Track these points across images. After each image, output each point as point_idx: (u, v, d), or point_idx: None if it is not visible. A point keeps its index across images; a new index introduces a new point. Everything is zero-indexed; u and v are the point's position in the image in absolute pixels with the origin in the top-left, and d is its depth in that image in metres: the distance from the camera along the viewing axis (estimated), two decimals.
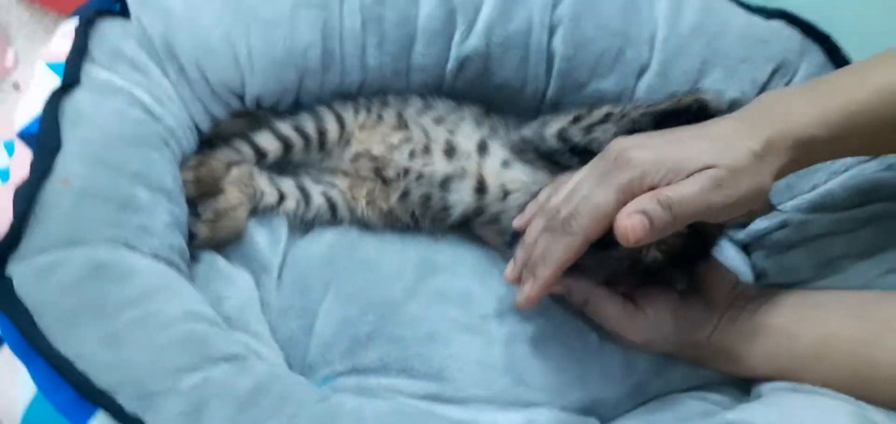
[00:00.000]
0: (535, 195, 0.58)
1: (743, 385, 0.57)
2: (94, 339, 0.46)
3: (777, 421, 0.47)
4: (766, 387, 0.53)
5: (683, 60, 0.66)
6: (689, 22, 0.67)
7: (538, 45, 0.67)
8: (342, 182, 0.65)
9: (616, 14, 0.67)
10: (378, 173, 0.64)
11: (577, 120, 0.58)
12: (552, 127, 0.59)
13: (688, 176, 0.47)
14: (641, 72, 0.68)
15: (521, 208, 0.58)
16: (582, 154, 0.57)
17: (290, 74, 0.65)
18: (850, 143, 0.50)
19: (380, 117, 0.65)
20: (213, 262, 0.59)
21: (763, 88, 0.65)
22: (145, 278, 0.50)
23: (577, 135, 0.58)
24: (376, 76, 0.68)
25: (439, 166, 0.63)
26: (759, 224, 0.64)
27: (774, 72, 0.65)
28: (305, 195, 0.64)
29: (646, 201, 0.47)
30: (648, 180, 0.47)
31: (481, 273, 0.62)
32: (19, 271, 0.48)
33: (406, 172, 0.63)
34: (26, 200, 0.51)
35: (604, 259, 0.52)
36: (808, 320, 0.52)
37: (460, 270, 0.62)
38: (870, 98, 0.48)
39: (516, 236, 0.57)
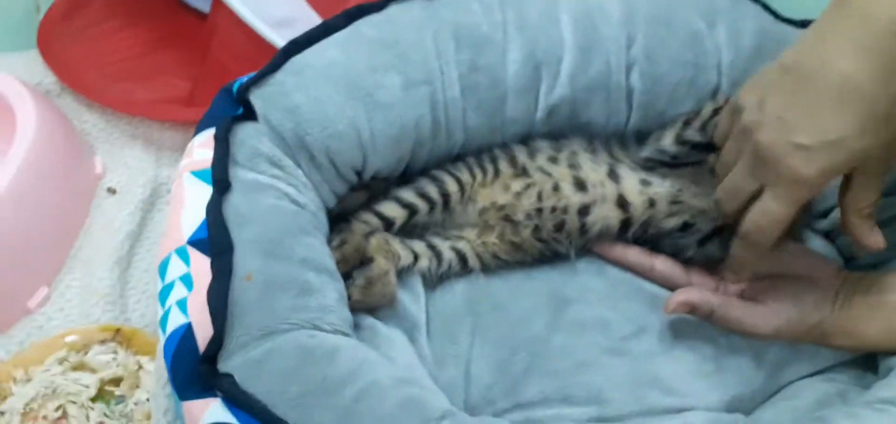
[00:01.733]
0: (680, 199, 0.66)
1: (866, 363, 0.63)
2: (330, 419, 0.51)
3: None
4: (895, 361, 0.59)
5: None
6: (750, 44, 0.74)
7: (617, 85, 0.74)
8: (470, 233, 0.71)
9: (684, 47, 0.74)
10: (507, 218, 0.70)
11: (688, 123, 0.66)
12: (668, 138, 0.68)
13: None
14: (714, 93, 0.75)
15: (671, 215, 0.66)
16: (704, 148, 0.67)
17: (406, 147, 0.71)
18: None
19: (497, 171, 0.71)
20: (374, 327, 0.64)
21: None
22: (347, 353, 0.55)
23: (695, 135, 0.66)
24: (476, 134, 0.74)
25: (574, 198, 0.68)
26: (838, 213, 0.71)
27: None
28: (436, 252, 0.70)
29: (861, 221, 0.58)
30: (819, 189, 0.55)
31: (610, 299, 0.68)
32: (236, 366, 0.53)
33: (539, 211, 0.69)
34: (220, 299, 0.56)
35: None
36: None
37: (590, 298, 0.68)
38: None
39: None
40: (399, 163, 0.72)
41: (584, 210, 0.69)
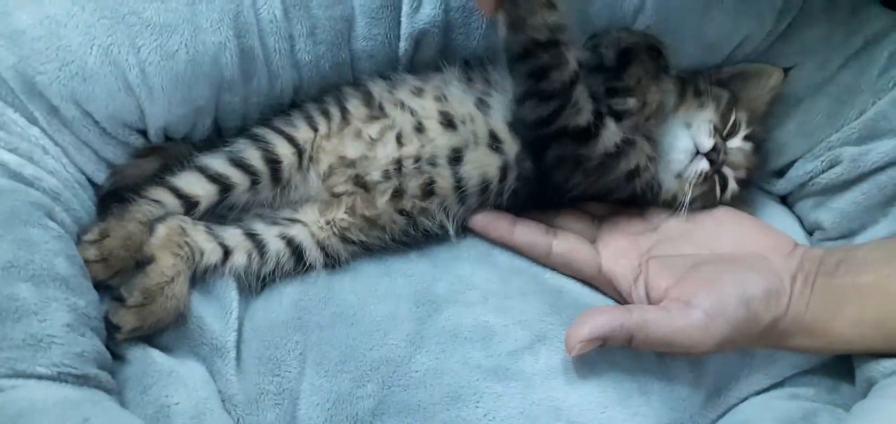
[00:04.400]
0: None
1: (835, 370, 0.51)
2: None
3: None
4: (879, 370, 0.46)
5: None
6: None
7: None
8: (309, 213, 0.54)
9: None
10: (358, 181, 0.53)
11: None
12: None
13: None
14: (636, 14, 0.57)
15: None
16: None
17: (201, 91, 0.52)
18: None
19: (344, 115, 0.54)
20: (147, 358, 0.47)
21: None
22: (50, 416, 0.37)
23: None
24: (313, 74, 0.56)
25: (442, 140, 0.53)
26: (802, 168, 0.56)
27: None
28: (258, 244, 0.53)
29: None
30: None
31: (495, 296, 0.53)
32: None
33: (398, 165, 0.53)
34: None
35: None
36: None
37: (469, 297, 0.52)
38: None
39: None
40: (198, 115, 0.55)
41: (455, 158, 0.53)
